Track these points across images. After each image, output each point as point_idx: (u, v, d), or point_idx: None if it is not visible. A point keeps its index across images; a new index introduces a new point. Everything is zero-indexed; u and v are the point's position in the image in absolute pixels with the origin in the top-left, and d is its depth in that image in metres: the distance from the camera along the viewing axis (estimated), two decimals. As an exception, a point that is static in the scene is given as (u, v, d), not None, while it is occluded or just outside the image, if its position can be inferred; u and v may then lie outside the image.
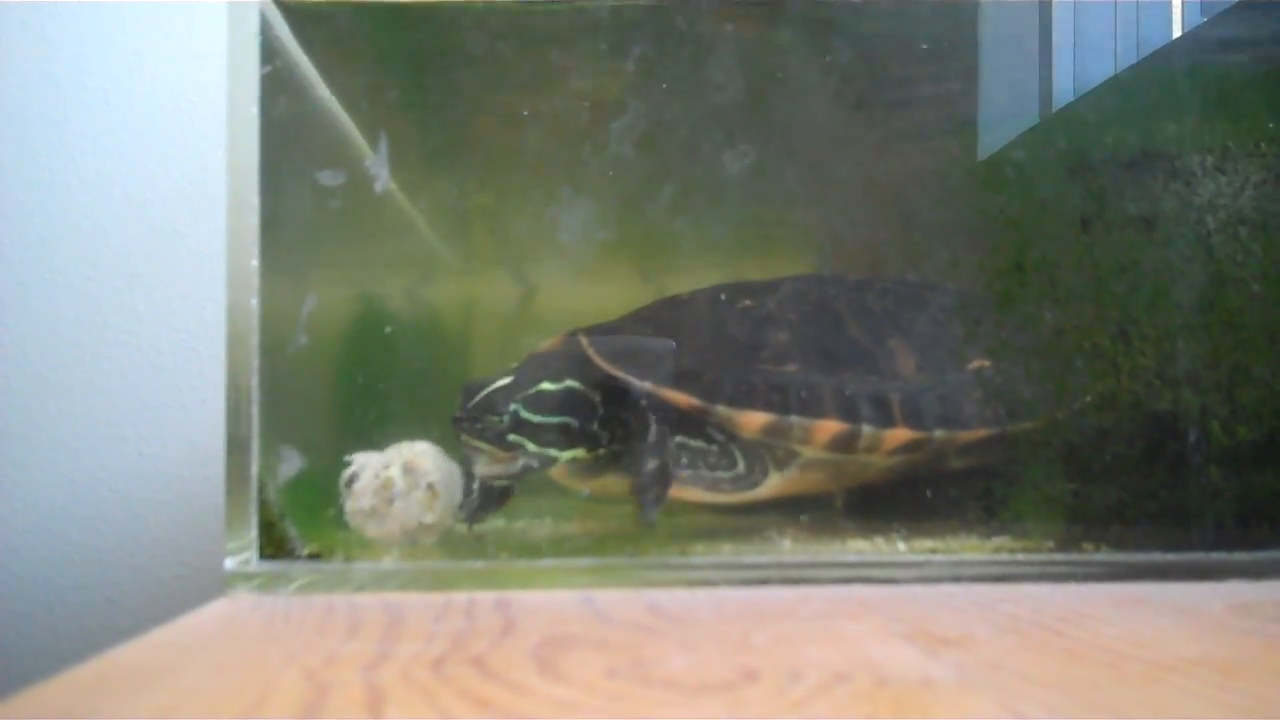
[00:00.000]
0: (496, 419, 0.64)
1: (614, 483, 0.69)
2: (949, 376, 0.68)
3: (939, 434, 0.66)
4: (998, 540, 0.63)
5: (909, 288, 0.74)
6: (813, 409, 0.65)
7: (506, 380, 0.66)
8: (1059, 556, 0.60)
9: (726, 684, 0.35)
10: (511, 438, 0.65)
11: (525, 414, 0.65)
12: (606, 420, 0.68)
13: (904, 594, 0.54)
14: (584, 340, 0.68)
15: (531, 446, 0.65)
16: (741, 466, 0.68)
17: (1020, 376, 0.66)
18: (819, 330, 0.70)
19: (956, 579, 0.57)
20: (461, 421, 0.64)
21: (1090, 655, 0.40)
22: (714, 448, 0.68)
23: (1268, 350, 0.63)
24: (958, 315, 0.71)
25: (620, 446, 0.69)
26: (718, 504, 0.68)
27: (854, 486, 0.70)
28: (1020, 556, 0.60)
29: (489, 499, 0.70)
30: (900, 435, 0.66)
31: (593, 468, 0.69)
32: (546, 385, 0.67)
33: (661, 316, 0.71)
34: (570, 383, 0.67)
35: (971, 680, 0.36)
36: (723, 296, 0.72)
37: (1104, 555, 0.60)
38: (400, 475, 0.61)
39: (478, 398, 0.65)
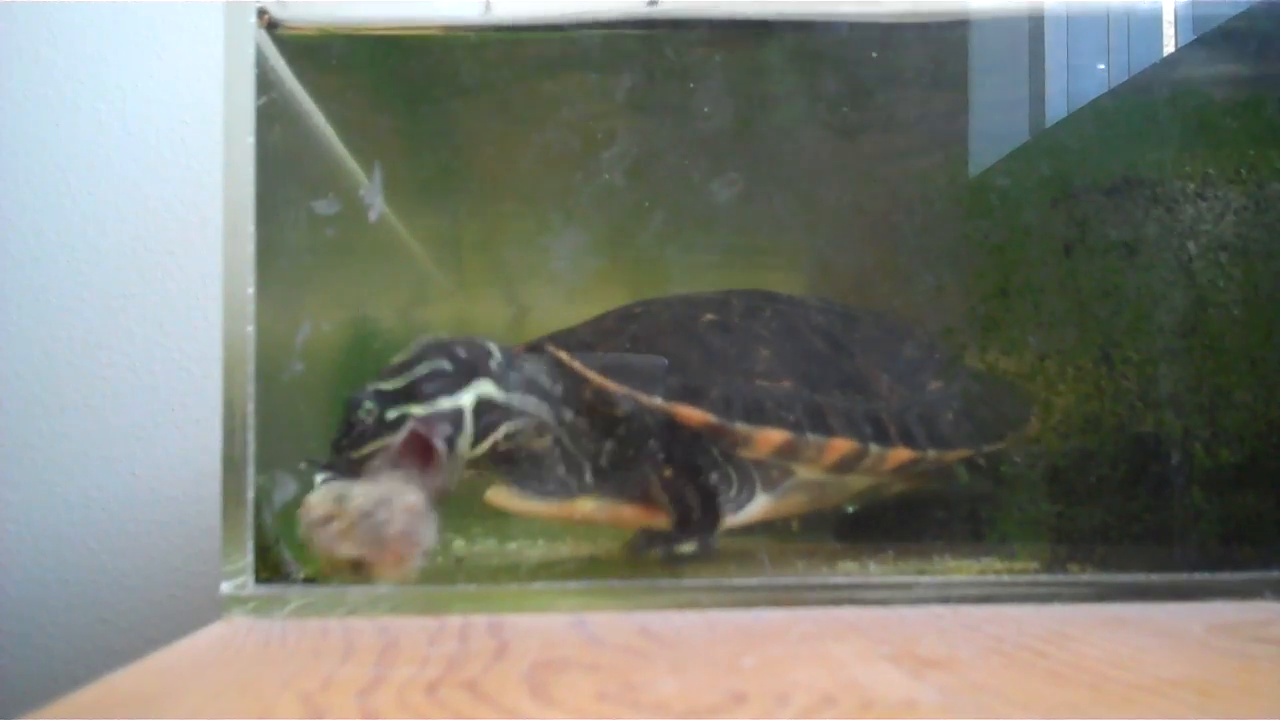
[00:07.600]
0: (364, 409, 0.58)
1: (598, 508, 0.64)
2: (923, 395, 0.68)
3: (931, 453, 0.66)
4: (985, 561, 0.63)
5: (841, 309, 0.72)
6: (822, 427, 0.63)
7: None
8: (1044, 578, 0.60)
9: (715, 707, 0.36)
10: (390, 415, 0.58)
11: (383, 385, 0.59)
12: (513, 365, 0.62)
13: (891, 616, 0.55)
14: (564, 356, 0.63)
15: (418, 409, 0.58)
16: (734, 489, 0.64)
17: (989, 397, 0.67)
18: (793, 345, 0.67)
19: (944, 600, 0.58)
20: (340, 441, 0.58)
21: (1072, 676, 0.40)
22: (714, 473, 0.63)
23: (1249, 374, 0.64)
24: (900, 337, 0.71)
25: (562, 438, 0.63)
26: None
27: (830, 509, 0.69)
28: (1006, 578, 0.60)
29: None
30: (901, 454, 0.65)
31: (557, 489, 0.64)
32: (398, 358, 0.61)
33: (630, 329, 0.67)
34: (426, 339, 0.61)
35: (954, 702, 0.36)
36: (680, 309, 0.68)
37: (1088, 576, 0.60)
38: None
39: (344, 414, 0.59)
